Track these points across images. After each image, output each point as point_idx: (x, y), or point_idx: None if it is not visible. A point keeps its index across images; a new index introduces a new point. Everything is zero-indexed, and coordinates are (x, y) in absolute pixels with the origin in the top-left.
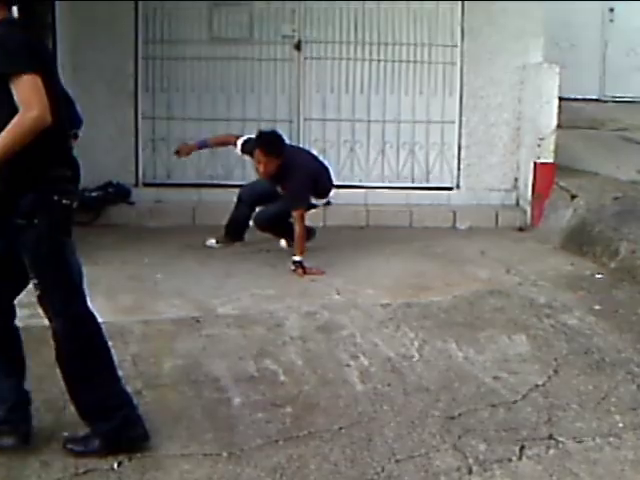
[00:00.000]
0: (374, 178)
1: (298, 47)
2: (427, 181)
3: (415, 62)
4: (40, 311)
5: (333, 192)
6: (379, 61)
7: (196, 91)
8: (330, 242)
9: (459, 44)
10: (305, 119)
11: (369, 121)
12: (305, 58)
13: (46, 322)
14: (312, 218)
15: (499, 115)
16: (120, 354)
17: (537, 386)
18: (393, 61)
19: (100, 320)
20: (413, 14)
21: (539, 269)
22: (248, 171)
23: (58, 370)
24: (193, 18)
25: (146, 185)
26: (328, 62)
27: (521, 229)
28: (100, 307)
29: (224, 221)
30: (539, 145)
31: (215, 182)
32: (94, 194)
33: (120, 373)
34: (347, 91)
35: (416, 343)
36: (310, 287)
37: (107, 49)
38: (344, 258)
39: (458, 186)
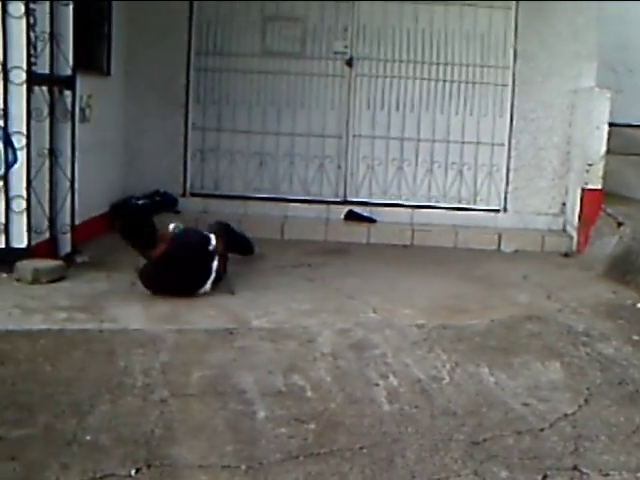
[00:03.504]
0: (421, 197)
1: (350, 64)
2: (474, 202)
3: (467, 82)
4: (77, 315)
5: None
6: (430, 80)
7: (246, 104)
8: (372, 260)
9: (511, 66)
10: (354, 135)
11: (418, 140)
12: (356, 75)
13: (81, 326)
14: (356, 235)
15: (549, 138)
16: (149, 362)
17: (566, 415)
18: (444, 81)
19: (134, 327)
20: (466, 35)
21: (580, 296)
22: (295, 186)
23: (87, 374)
24: (246, 31)
25: (193, 195)
26: (379, 79)
27: (566, 255)
28: (136, 314)
29: (268, 234)
30: (587, 171)
31: (262, 195)
32: (140, 202)
33: (148, 381)
34: (397, 109)
35: (448, 366)
36: (347, 304)
37: (160, 59)
38: (384, 276)
39: (505, 209)
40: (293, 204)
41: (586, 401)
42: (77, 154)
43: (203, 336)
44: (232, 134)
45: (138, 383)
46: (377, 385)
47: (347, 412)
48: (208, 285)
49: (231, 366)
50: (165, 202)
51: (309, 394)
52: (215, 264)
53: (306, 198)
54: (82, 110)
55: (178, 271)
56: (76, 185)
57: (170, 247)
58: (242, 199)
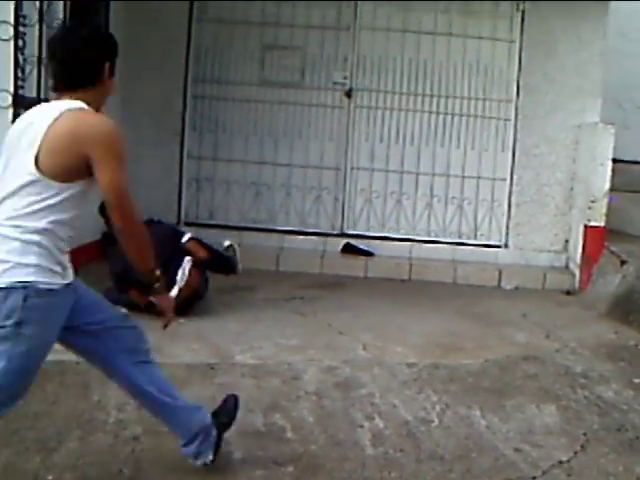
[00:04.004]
0: (420, 231)
1: (349, 95)
2: (475, 238)
3: (468, 116)
4: (55, 345)
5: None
6: (431, 113)
7: (243, 133)
8: (368, 294)
9: (514, 99)
10: (352, 168)
11: (418, 173)
12: (355, 106)
13: (58, 357)
14: (353, 268)
15: (552, 174)
16: (125, 396)
17: (560, 462)
18: (446, 114)
19: None
20: (469, 68)
21: (580, 336)
22: (292, 217)
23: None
24: (245, 59)
25: (188, 224)
26: (379, 111)
27: (568, 292)
28: None
29: (262, 265)
30: (590, 208)
31: (257, 226)
32: None
33: (121, 417)
34: (397, 142)
35: (438, 407)
36: (336, 340)
37: (157, 85)
38: (379, 312)
39: (506, 245)
40: (289, 236)
41: (582, 447)
42: None
43: (183, 371)
44: (228, 163)
45: (111, 419)
46: (362, 427)
47: (328, 455)
48: (178, 280)
49: (210, 403)
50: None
51: (289, 435)
52: (187, 264)
53: (302, 230)
54: None
55: None
56: None
57: None
58: (237, 229)
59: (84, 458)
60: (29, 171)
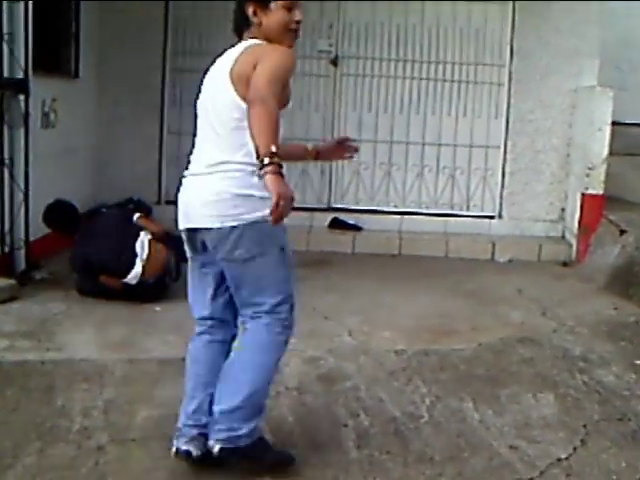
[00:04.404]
0: (410, 203)
1: (335, 63)
2: (467, 209)
3: (460, 82)
4: (21, 342)
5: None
6: (421, 80)
7: None
8: (356, 272)
9: (507, 64)
10: None
11: (408, 143)
12: (342, 74)
13: (21, 356)
14: (341, 244)
15: (548, 140)
16: (91, 400)
17: (559, 460)
18: (436, 80)
19: (82, 356)
20: (460, 31)
21: (578, 313)
22: None
23: (18, 417)
24: (225, 30)
25: (169, 203)
26: (366, 79)
27: (565, 264)
28: (87, 340)
29: None
30: (588, 175)
31: None
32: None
33: (86, 423)
34: (385, 110)
35: (427, 400)
36: (321, 326)
37: (134, 60)
38: (367, 292)
39: (500, 215)
40: None
41: (582, 442)
42: (37, 162)
43: (155, 367)
44: None
45: (75, 426)
46: (346, 426)
47: (308, 460)
48: (138, 253)
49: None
50: (138, 211)
51: (267, 437)
52: (145, 236)
53: None
54: (46, 115)
55: (97, 244)
56: (32, 195)
57: (88, 222)
58: None
59: (42, 475)
60: (238, 105)
